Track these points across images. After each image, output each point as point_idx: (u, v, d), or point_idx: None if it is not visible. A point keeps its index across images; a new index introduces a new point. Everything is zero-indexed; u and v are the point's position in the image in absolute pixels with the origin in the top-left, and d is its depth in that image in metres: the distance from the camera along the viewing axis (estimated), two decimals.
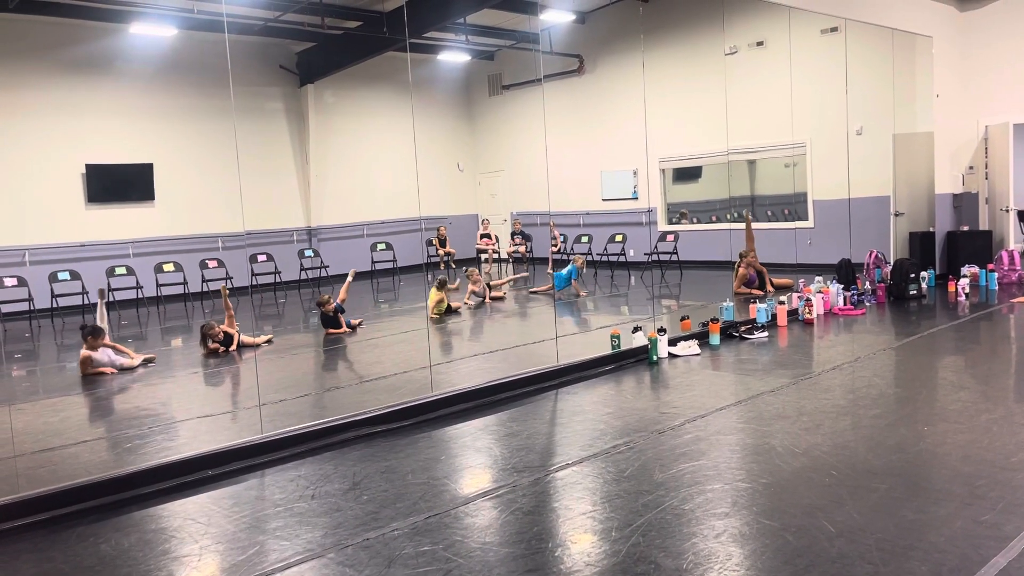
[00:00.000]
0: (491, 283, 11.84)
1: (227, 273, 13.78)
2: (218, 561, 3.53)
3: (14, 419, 6.18)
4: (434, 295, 10.33)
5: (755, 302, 8.57)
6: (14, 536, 3.92)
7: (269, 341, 9.20)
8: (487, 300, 11.45)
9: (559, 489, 4.15)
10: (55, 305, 12.36)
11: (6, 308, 11.82)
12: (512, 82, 17.87)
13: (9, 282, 12.06)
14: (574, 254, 14.60)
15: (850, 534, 3.37)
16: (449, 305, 10.61)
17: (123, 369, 7.96)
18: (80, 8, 12.65)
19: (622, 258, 14.80)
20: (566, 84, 16.69)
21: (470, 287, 11.40)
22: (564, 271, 11.95)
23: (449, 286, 10.68)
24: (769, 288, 10.50)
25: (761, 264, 10.77)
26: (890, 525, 3.44)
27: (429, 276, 11.90)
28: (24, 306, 11.93)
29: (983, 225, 11.32)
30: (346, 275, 10.49)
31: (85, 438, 5.65)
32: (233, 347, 8.70)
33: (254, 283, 14.29)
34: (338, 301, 9.72)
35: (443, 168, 18.27)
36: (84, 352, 7.84)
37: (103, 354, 7.93)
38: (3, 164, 12.71)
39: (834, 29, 12.18)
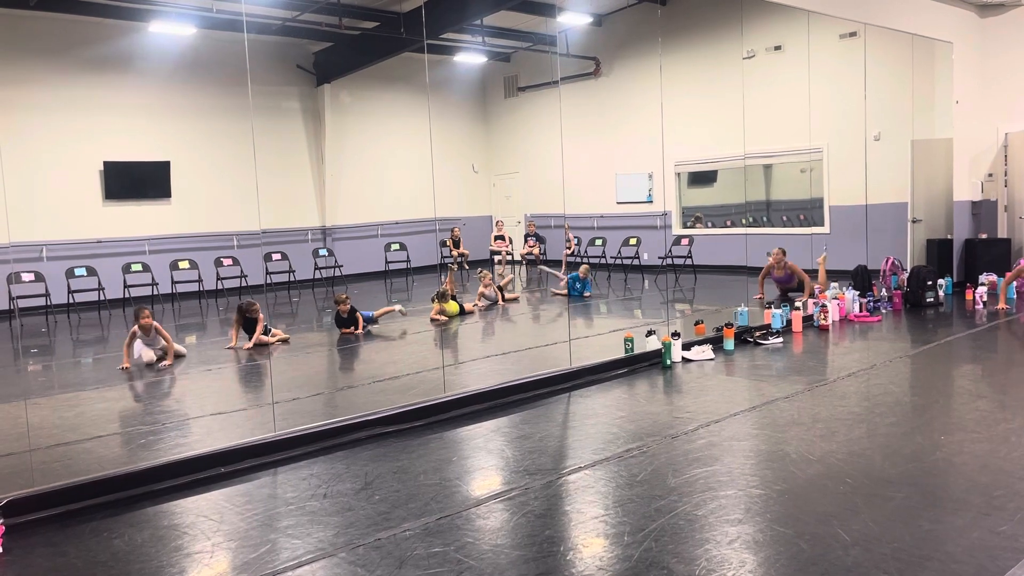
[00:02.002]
0: (502, 284, 11.81)
1: (242, 271, 13.83)
2: (230, 558, 3.53)
3: (29, 413, 6.22)
4: (435, 308, 10.32)
5: (769, 307, 8.51)
6: (28, 530, 3.94)
7: (286, 340, 9.21)
8: (500, 302, 11.41)
9: (571, 492, 4.14)
10: (71, 301, 12.44)
11: (23, 303, 11.91)
12: (528, 84, 17.86)
13: (26, 277, 12.15)
14: (584, 260, 14.58)
15: (865, 543, 3.34)
16: (462, 307, 10.60)
17: (148, 364, 8.02)
18: (99, 6, 12.75)
19: (636, 261, 14.76)
20: (582, 86, 16.67)
21: (480, 289, 11.38)
22: (571, 276, 11.97)
23: (450, 291, 10.65)
24: (808, 290, 10.09)
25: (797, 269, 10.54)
26: (906, 535, 3.41)
27: (443, 277, 11.89)
28: (41, 301, 12.01)
29: (1002, 233, 11.21)
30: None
31: (99, 433, 5.68)
32: (249, 345, 8.74)
33: (268, 282, 14.34)
34: (369, 313, 9.74)
35: (458, 169, 18.28)
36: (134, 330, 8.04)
37: (138, 345, 8.03)
38: (22, 160, 12.81)
39: (853, 34, 12.10)
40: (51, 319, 12.05)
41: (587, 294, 11.90)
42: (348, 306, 9.53)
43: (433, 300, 10.39)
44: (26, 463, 4.97)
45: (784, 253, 10.56)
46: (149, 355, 8.09)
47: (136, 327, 8.04)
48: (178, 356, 8.34)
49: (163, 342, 8.13)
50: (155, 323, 8.10)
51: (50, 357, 9.51)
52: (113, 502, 4.25)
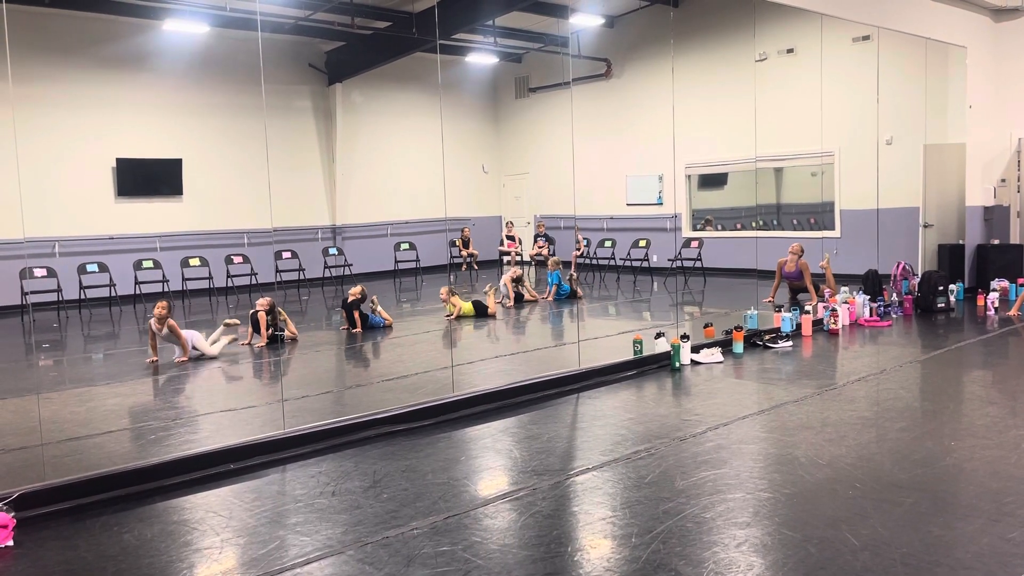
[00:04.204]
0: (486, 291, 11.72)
1: (252, 269, 13.88)
2: (238, 554, 3.55)
3: (41, 408, 6.26)
4: (467, 307, 10.37)
5: (779, 311, 8.49)
6: (40, 524, 3.96)
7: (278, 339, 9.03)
8: (509, 304, 11.39)
9: (579, 493, 4.14)
10: (83, 296, 12.52)
11: (35, 298, 11.99)
12: (539, 85, 17.87)
13: (39, 272, 12.23)
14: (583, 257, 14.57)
15: (874, 548, 3.33)
16: (478, 302, 10.57)
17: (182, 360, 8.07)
18: (114, 4, 12.82)
19: (645, 263, 14.74)
20: (593, 88, 16.66)
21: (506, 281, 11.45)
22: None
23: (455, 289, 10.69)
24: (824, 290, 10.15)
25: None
26: (915, 540, 3.40)
27: (452, 277, 11.91)
28: (52, 297, 12.08)
29: (1014, 239, 11.15)
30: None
31: (110, 428, 5.71)
32: (262, 343, 8.77)
33: (279, 280, 14.39)
34: (380, 320, 9.75)
35: (468, 169, 18.30)
36: (172, 322, 8.05)
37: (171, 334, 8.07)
38: (36, 157, 12.89)
39: (866, 37, 12.06)
40: (63, 315, 12.13)
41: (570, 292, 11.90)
42: (358, 295, 9.56)
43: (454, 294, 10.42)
44: (38, 457, 5.00)
45: (802, 250, 10.54)
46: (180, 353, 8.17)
47: (152, 323, 8.06)
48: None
49: (174, 339, 8.16)
50: (171, 321, 8.08)
51: (61, 352, 9.57)
52: (123, 497, 4.27)
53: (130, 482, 4.39)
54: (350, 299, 9.64)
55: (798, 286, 10.55)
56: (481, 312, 10.45)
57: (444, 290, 10.54)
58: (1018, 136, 11.03)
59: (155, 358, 8.07)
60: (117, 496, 4.27)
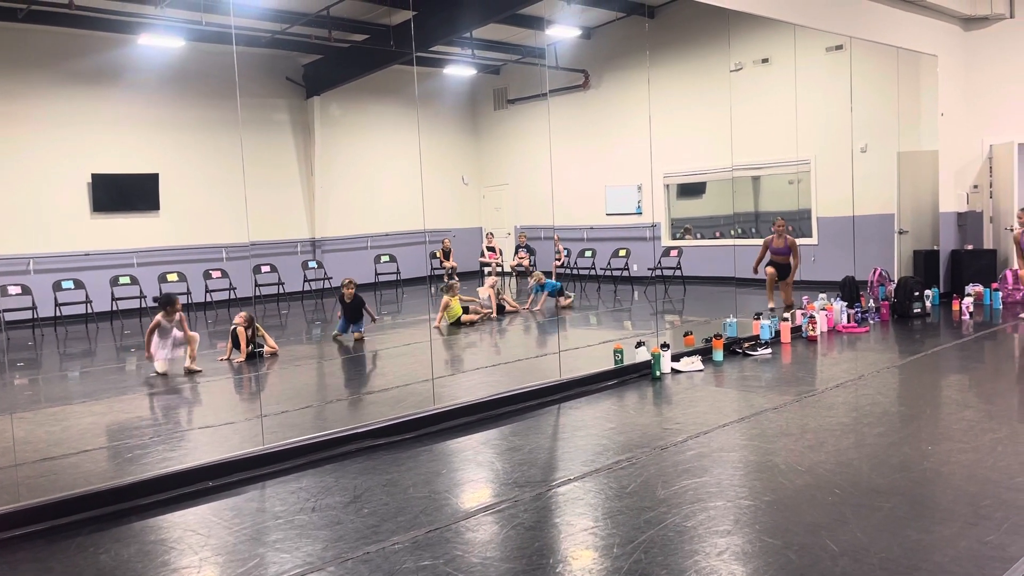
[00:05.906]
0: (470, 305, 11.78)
1: (231, 284, 13.78)
2: (217, 573, 3.51)
3: (16, 428, 6.17)
4: (456, 308, 10.44)
5: (758, 318, 8.54)
6: (14, 545, 3.90)
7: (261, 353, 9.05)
8: (492, 315, 11.39)
9: (561, 504, 4.13)
10: (58, 314, 12.37)
11: (9, 316, 11.82)
12: (517, 96, 17.93)
13: (13, 290, 12.08)
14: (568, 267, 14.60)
15: (854, 553, 3.35)
16: (460, 319, 10.60)
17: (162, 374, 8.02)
18: (89, 19, 12.72)
19: (625, 273, 14.79)
20: (571, 99, 16.74)
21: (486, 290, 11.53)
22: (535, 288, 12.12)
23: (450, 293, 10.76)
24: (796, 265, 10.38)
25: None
26: (894, 545, 3.42)
27: (433, 289, 11.90)
28: (27, 314, 11.93)
29: (987, 244, 11.30)
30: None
31: (86, 448, 5.64)
32: (241, 358, 8.71)
33: (257, 294, 14.30)
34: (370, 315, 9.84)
35: (448, 181, 18.31)
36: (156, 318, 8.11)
37: (160, 342, 8.07)
38: (10, 173, 12.75)
39: (839, 47, 12.20)
40: (38, 332, 11.97)
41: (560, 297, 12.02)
42: (352, 290, 9.57)
43: (442, 291, 10.50)
44: (12, 478, 4.92)
45: (785, 223, 10.63)
46: (163, 365, 8.08)
47: (160, 316, 8.06)
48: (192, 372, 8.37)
49: (181, 336, 8.15)
50: (181, 313, 8.14)
51: (36, 371, 9.44)
52: (99, 517, 4.21)
53: (106, 502, 4.33)
54: (348, 299, 9.73)
55: (783, 261, 10.56)
56: (464, 310, 10.59)
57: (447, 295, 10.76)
58: (989, 143, 11.20)
59: (150, 353, 8.06)
60: (93, 516, 4.21)
